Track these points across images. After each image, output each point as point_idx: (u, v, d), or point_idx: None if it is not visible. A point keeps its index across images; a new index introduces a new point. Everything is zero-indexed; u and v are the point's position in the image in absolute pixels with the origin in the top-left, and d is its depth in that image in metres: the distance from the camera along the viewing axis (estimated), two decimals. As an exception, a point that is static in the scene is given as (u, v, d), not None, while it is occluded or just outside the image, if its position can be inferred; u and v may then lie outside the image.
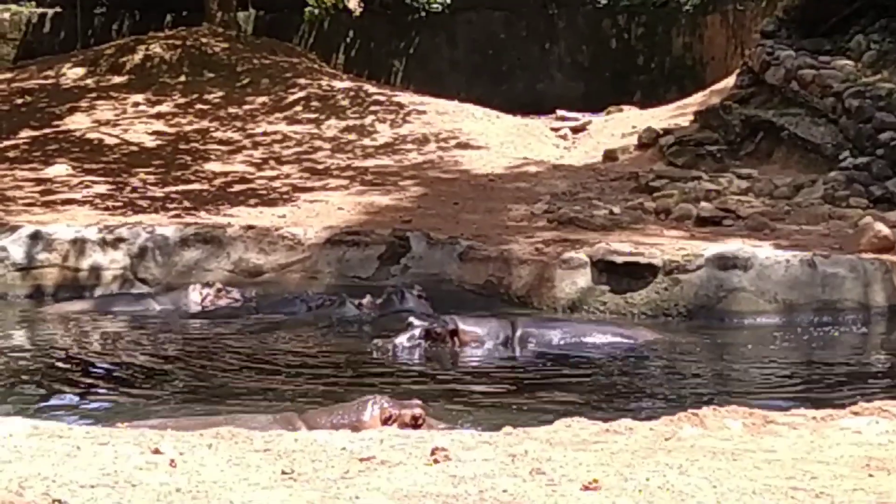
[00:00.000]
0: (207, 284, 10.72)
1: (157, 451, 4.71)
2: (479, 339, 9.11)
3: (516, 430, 5.38)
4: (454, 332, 9.03)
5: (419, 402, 6.39)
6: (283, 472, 4.46)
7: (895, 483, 4.38)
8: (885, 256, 10.56)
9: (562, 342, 9.30)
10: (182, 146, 16.34)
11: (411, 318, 9.11)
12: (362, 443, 5.03)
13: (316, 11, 18.79)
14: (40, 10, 22.45)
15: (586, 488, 4.28)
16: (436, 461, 4.65)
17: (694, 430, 5.28)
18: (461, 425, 6.63)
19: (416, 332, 8.91)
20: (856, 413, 5.53)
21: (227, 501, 4.12)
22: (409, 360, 8.83)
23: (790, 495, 4.22)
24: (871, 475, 4.50)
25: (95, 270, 11.30)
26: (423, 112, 17.92)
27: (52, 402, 7.70)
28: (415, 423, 6.14)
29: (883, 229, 11.01)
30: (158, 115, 17.80)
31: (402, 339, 8.90)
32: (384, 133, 17.02)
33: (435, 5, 22.71)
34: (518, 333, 9.21)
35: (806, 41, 15.46)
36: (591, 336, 9.43)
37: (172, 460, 4.59)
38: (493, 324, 9.35)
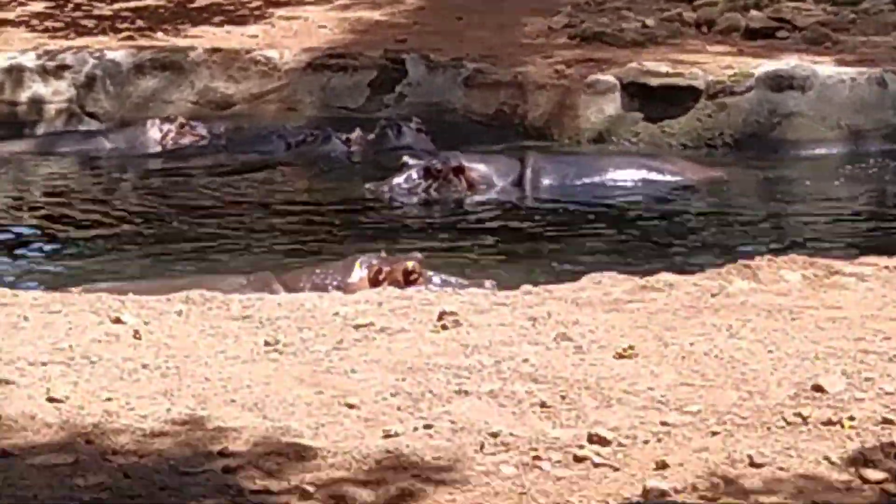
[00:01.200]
0: (168, 119, 10.67)
1: (118, 321, 4.73)
2: (488, 179, 9.09)
3: (537, 288, 5.39)
4: (459, 171, 8.99)
5: (419, 255, 6.40)
6: (267, 343, 4.48)
7: (981, 343, 4.41)
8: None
9: (585, 180, 9.29)
10: (133, -47, 16.07)
11: (406, 157, 9.07)
12: (358, 306, 5.05)
13: None
14: None
15: (620, 356, 4.30)
16: (444, 327, 4.67)
17: (745, 283, 5.28)
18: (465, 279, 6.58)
19: (414, 172, 8.89)
20: (932, 260, 5.53)
21: (202, 379, 4.15)
22: (407, 206, 8.83)
23: (859, 360, 4.24)
24: (951, 331, 4.52)
25: (36, 104, 11.24)
26: None
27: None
28: (407, 279, 6.16)
29: (966, 39, 10.93)
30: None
31: (398, 181, 8.89)
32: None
33: None
34: (532, 171, 9.17)
35: None
36: (618, 172, 9.41)
37: (136, 331, 4.61)
38: (503, 160, 9.33)
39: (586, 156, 9.98)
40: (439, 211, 8.85)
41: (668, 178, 9.37)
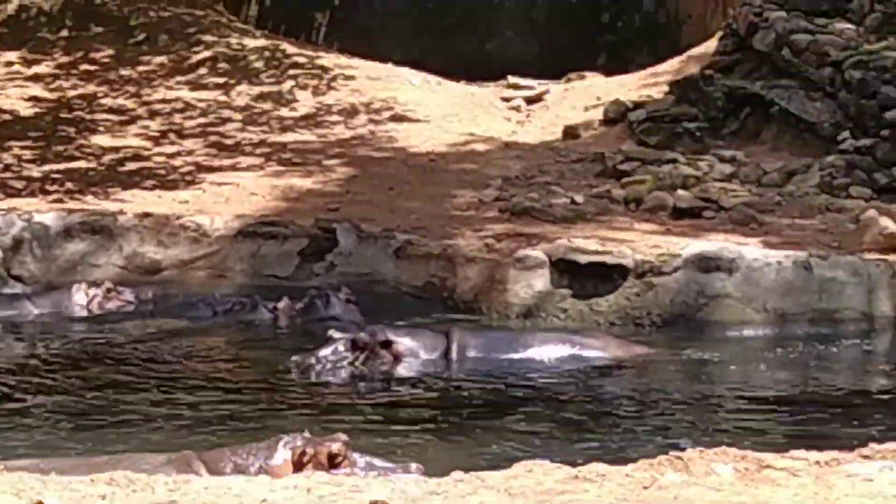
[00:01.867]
0: (95, 283, 10.64)
1: (37, 505, 4.63)
2: (414, 352, 9.08)
3: (468, 475, 5.32)
4: (386, 344, 8.97)
5: (343, 436, 6.32)
6: (194, 533, 4.39)
7: (915, 546, 4.40)
8: (891, 257, 10.64)
9: (511, 355, 9.30)
10: (64, 115, 16.11)
11: (331, 331, 9.04)
12: (287, 492, 4.97)
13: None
14: None
15: (556, 554, 4.25)
16: (375, 517, 4.60)
17: (678, 476, 5.25)
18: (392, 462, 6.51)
19: (340, 344, 8.86)
20: (866, 456, 5.52)
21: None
22: (333, 380, 8.77)
23: (794, 560, 4.22)
24: (886, 535, 4.51)
25: (-39, 266, 11.16)
26: (352, 77, 17.81)
27: None
28: (332, 462, 6.08)
29: (889, 225, 11.09)
30: (36, 77, 17.54)
31: (324, 353, 8.85)
32: (305, 102, 16.89)
33: (366, -51, 22.61)
34: (458, 345, 9.17)
35: (801, 1, 15.52)
36: (544, 348, 9.43)
37: (55, 518, 4.50)
38: (428, 334, 9.33)
39: (512, 331, 10.04)
40: (366, 385, 8.79)
41: (594, 354, 9.39)
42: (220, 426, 7.76)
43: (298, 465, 6.02)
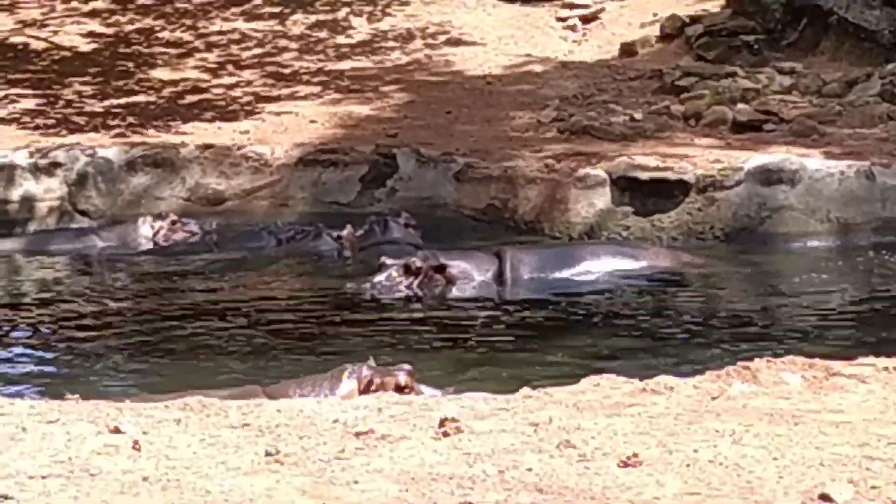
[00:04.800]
0: (160, 216, 10.70)
1: (116, 430, 4.67)
2: (468, 274, 9.12)
3: (536, 391, 5.35)
4: (440, 268, 9.00)
5: (408, 367, 6.34)
6: (268, 454, 4.42)
7: None
8: (954, 166, 10.55)
9: (564, 272, 9.31)
10: (122, 50, 16.15)
11: (383, 257, 9.09)
12: (357, 413, 4.99)
13: None
14: None
15: (625, 464, 4.26)
16: (445, 434, 4.62)
17: (746, 386, 5.25)
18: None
19: (393, 270, 8.90)
20: (935, 363, 5.51)
21: (203, 492, 4.09)
22: (390, 304, 8.80)
23: (865, 466, 4.20)
24: (958, 438, 4.49)
25: (28, 202, 11.27)
26: (406, 2, 17.72)
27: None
28: (399, 393, 6.07)
29: (951, 133, 11.00)
30: (93, 13, 17.58)
31: (379, 279, 8.90)
32: (361, 28, 16.84)
33: None
34: (511, 264, 9.19)
35: None
36: (597, 262, 9.42)
37: (136, 441, 4.55)
38: (481, 256, 9.37)
39: (564, 246, 9.99)
40: (422, 308, 8.81)
41: (648, 264, 9.38)
42: (286, 355, 7.82)
43: (364, 394, 6.02)
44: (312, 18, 17.17)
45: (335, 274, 9.60)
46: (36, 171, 11.26)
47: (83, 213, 11.23)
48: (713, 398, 5.11)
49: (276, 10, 17.50)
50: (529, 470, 4.23)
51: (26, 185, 11.23)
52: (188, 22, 17.18)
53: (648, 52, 15.43)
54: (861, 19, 14.02)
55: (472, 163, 10.98)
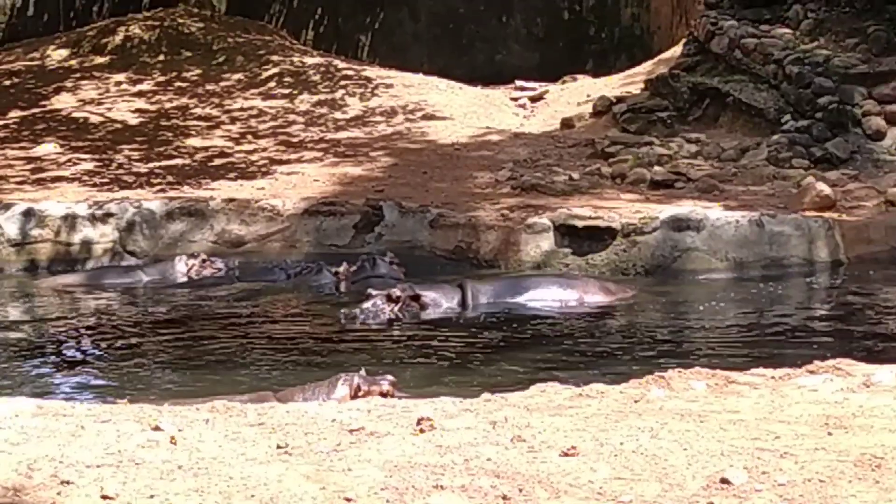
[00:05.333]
0: (192, 255, 10.66)
1: (157, 429, 4.66)
2: (437, 302, 9.12)
3: (494, 396, 5.34)
4: (415, 297, 9.02)
5: (390, 377, 6.32)
6: (279, 447, 4.41)
7: (853, 441, 4.38)
8: (826, 214, 10.61)
9: (516, 299, 9.31)
10: (163, 123, 16.15)
11: (370, 289, 9.09)
12: (351, 413, 4.98)
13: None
14: (21, -7, 22.09)
15: (565, 454, 4.26)
16: (422, 430, 4.62)
17: (661, 392, 5.27)
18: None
19: (378, 299, 8.90)
20: (811, 371, 5.52)
21: (227, 477, 4.07)
22: (375, 326, 8.79)
23: (756, 456, 4.21)
24: (829, 433, 4.50)
25: (86, 244, 11.20)
26: (391, 85, 17.77)
27: (52, 376, 7.64)
28: (383, 398, 6.05)
29: (824, 188, 11.04)
30: (140, 94, 17.57)
31: (366, 306, 8.91)
32: (354, 106, 16.87)
33: (398, -17, 22.50)
34: (472, 294, 9.19)
35: (747, 11, 15.40)
36: (542, 291, 9.41)
37: (172, 437, 4.53)
38: (446, 287, 9.37)
39: (513, 279, 9.95)
40: (400, 329, 8.78)
41: (585, 294, 9.38)
42: (293, 366, 7.80)
43: (354, 399, 6.00)
44: (315, 98, 17.19)
45: (333, 302, 9.57)
46: (93, 219, 11.21)
47: (131, 253, 11.18)
48: (635, 401, 5.11)
49: (287, 91, 17.51)
50: (489, 459, 4.23)
51: (85, 231, 11.18)
52: (216, 101, 17.17)
53: (583, 125, 15.48)
54: (752, 99, 14.08)
55: (443, 213, 10.98)
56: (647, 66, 17.90)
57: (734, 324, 8.68)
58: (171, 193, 12.05)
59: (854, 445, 4.30)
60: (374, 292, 8.99)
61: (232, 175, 13.08)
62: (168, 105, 17.03)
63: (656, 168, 12.47)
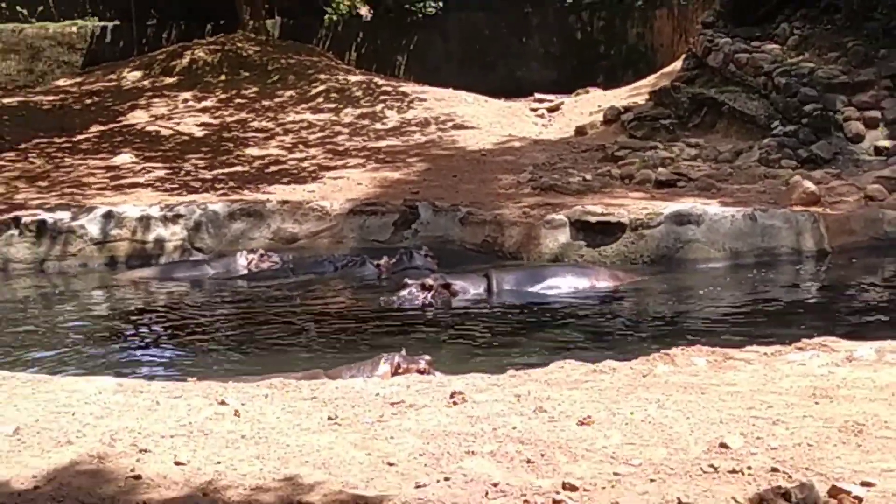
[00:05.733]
0: (252, 250, 10.69)
1: (223, 403, 4.69)
2: (465, 290, 9.12)
3: (518, 372, 5.35)
4: (446, 286, 9.02)
5: (427, 356, 6.33)
6: (329, 418, 4.43)
7: (838, 409, 4.37)
8: (812, 209, 10.53)
9: (536, 287, 9.27)
10: (225, 135, 16.22)
11: (406, 279, 9.11)
12: (392, 388, 5.00)
13: (333, 17, 18.55)
14: (102, 23, 22.18)
15: (582, 423, 4.26)
16: (455, 403, 4.63)
17: (666, 367, 5.25)
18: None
19: (413, 287, 8.92)
20: (800, 348, 5.50)
21: (285, 446, 4.10)
22: (415, 309, 8.80)
23: (751, 423, 4.21)
24: (816, 403, 4.48)
25: (159, 242, 11.26)
26: (424, 99, 17.77)
27: (130, 358, 7.69)
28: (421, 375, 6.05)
29: (810, 186, 10.97)
30: (204, 109, 17.67)
31: (402, 294, 8.92)
32: (392, 118, 16.89)
33: (429, 8, 22.49)
34: (496, 282, 9.17)
35: (740, 29, 15.30)
36: (557, 279, 9.38)
37: (236, 411, 4.56)
38: (474, 276, 9.35)
39: (533, 268, 9.90)
40: (433, 314, 8.78)
41: (594, 281, 9.36)
42: (340, 347, 7.82)
43: (395, 375, 6.00)
44: (358, 111, 17.21)
45: (375, 290, 9.57)
46: (165, 220, 11.27)
47: (198, 249, 11.23)
48: (643, 376, 5.11)
49: (333, 105, 17.55)
50: (514, 428, 4.24)
51: (158, 230, 11.24)
52: (271, 115, 17.23)
53: (595, 132, 15.43)
54: (745, 107, 13.99)
55: (472, 211, 10.97)
56: (651, 80, 17.82)
57: (731, 306, 8.63)
58: (233, 197, 12.09)
59: (838, 413, 4.28)
60: (410, 281, 9.00)
61: (286, 180, 13.12)
62: (229, 119, 17.11)
63: (660, 169, 12.41)
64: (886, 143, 12.44)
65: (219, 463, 3.91)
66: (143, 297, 9.97)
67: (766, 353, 5.42)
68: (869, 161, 12.28)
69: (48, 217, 11.20)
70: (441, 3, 22.56)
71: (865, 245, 10.18)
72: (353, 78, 19.07)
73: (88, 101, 18.59)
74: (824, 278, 9.65)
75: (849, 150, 12.53)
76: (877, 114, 12.78)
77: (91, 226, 11.18)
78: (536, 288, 9.22)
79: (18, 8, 21.88)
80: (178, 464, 3.90)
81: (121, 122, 17.20)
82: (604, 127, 15.53)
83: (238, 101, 18.06)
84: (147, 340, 8.24)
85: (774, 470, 3.68)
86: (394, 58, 22.66)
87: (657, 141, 13.99)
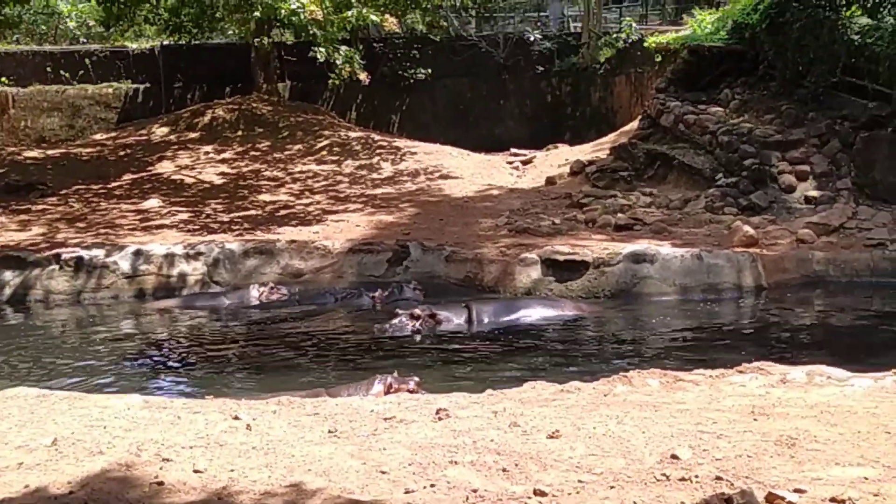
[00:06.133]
0: (263, 284, 10.66)
1: (236, 418, 4.66)
2: (449, 319, 9.08)
3: (495, 391, 5.32)
4: (432, 315, 8.99)
5: (416, 378, 6.31)
6: (330, 432, 4.40)
7: (773, 425, 4.36)
8: (751, 250, 10.58)
9: (510, 316, 9.24)
10: (241, 183, 16.24)
11: (397, 309, 9.10)
12: (385, 405, 4.97)
13: (336, 81, 18.62)
14: (134, 85, 22.23)
15: (551, 437, 4.24)
16: (440, 418, 4.61)
17: (624, 388, 5.24)
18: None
19: (403, 317, 8.91)
20: (741, 371, 5.49)
21: (290, 456, 4.06)
22: (405, 336, 8.77)
23: (698, 437, 4.19)
24: (755, 419, 4.47)
25: (182, 276, 11.21)
26: (415, 153, 17.85)
27: (155, 377, 7.63)
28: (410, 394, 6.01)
29: (749, 230, 11.03)
30: (223, 161, 17.70)
31: (394, 322, 8.89)
32: (387, 169, 16.95)
33: (420, 75, 22.63)
34: (476, 313, 9.14)
35: (688, 94, 15.46)
36: (530, 310, 9.37)
37: (248, 425, 4.53)
38: (457, 307, 9.31)
39: (508, 300, 9.88)
40: (421, 340, 8.74)
41: (561, 312, 9.35)
42: (339, 369, 7.76)
43: (388, 394, 5.97)
44: (357, 163, 17.28)
45: (370, 319, 9.54)
46: (187, 257, 11.23)
47: (216, 283, 11.18)
48: (605, 395, 5.09)
49: (335, 158, 17.61)
50: (492, 441, 4.21)
51: (181, 266, 11.20)
52: (281, 165, 17.27)
53: (563, 182, 15.51)
54: (693, 162, 14.10)
55: (456, 250, 10.96)
56: (611, 137, 17.96)
57: (680, 334, 8.63)
58: (247, 237, 12.07)
59: (774, 429, 4.28)
60: (400, 311, 8.98)
61: (293, 222, 13.12)
62: (244, 169, 17.13)
63: (619, 215, 12.46)
64: (815, 194, 12.54)
65: (232, 471, 3.88)
66: (167, 324, 9.90)
67: (711, 376, 5.41)
68: (800, 209, 12.37)
69: (85, 254, 11.16)
70: (430, 70, 22.69)
71: (797, 282, 10.24)
72: (353, 134, 19.15)
73: (122, 153, 18.60)
74: (762, 310, 9.66)
75: (782, 199, 12.62)
76: (806, 168, 12.89)
77: (122, 262, 11.14)
78: (511, 318, 9.20)
79: (62, 72, 21.91)
80: (196, 472, 3.87)
81: (150, 171, 17.20)
82: (570, 178, 15.62)
83: (252, 153, 18.09)
84: (170, 362, 8.17)
85: (719, 478, 3.67)
86: (388, 117, 22.78)
87: (616, 190, 14.08)
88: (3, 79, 21.20)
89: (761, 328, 8.91)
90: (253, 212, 14.05)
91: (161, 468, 3.92)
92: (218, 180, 16.48)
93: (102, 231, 12.81)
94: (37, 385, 6.31)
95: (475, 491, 3.62)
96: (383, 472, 3.84)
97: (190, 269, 11.24)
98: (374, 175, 16.58)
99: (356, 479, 3.78)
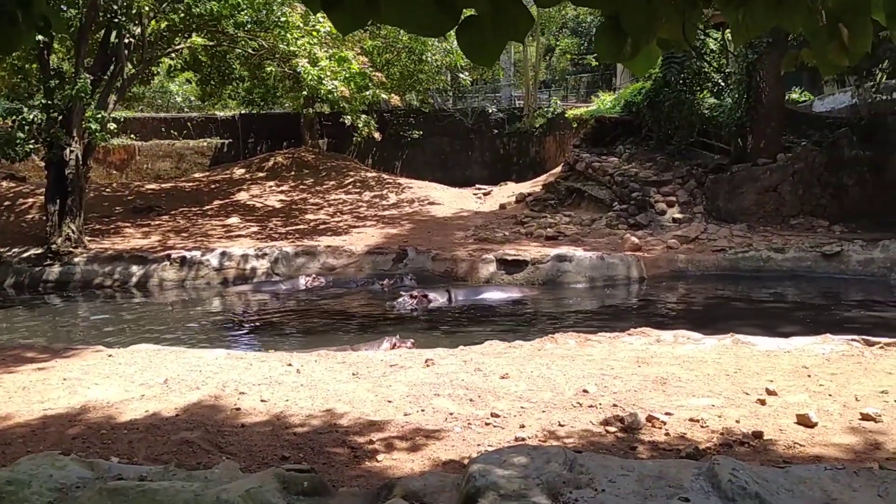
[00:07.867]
0: (308, 275, 10.61)
1: (289, 365, 4.62)
2: (436, 299, 9.05)
3: (465, 347, 5.32)
4: (425, 296, 8.95)
5: (412, 339, 6.29)
6: (353, 374, 4.38)
7: (651, 370, 4.37)
8: (636, 253, 10.60)
9: (478, 296, 9.24)
10: (293, 207, 16.13)
11: (400, 291, 9.04)
12: (390, 356, 4.95)
13: (358, 138, 18.53)
14: (221, 140, 22.03)
15: (503, 378, 4.24)
16: (427, 365, 4.59)
17: (552, 345, 5.24)
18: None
19: (406, 297, 8.85)
20: (630, 334, 5.50)
21: (326, 390, 4.04)
22: (405, 310, 8.74)
23: (601, 378, 4.20)
24: (639, 366, 4.48)
25: (253, 269, 11.15)
26: (411, 187, 17.80)
27: (235, 337, 7.56)
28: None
29: (635, 240, 11.06)
30: (281, 192, 17.57)
31: (400, 301, 8.84)
32: (392, 198, 16.88)
33: (415, 135, 22.57)
34: (454, 293, 9.13)
35: (595, 149, 15.51)
36: (491, 293, 9.38)
37: (298, 369, 4.50)
38: (442, 290, 9.28)
39: (476, 286, 9.88)
40: (417, 314, 8.72)
41: (511, 294, 9.34)
42: (359, 332, 7.72)
43: (392, 349, 5.93)
44: (372, 194, 17.16)
45: (382, 299, 9.52)
46: (257, 256, 11.18)
47: (276, 274, 11.12)
48: (538, 350, 5.09)
49: (357, 190, 17.50)
50: (463, 380, 4.20)
51: (252, 262, 11.14)
52: (321, 195, 17.15)
53: (511, 207, 15.49)
54: (597, 194, 14.12)
55: (439, 253, 10.96)
56: (543, 177, 17.94)
57: (589, 310, 8.65)
58: (297, 243, 12.00)
59: (652, 372, 4.30)
60: (404, 293, 8.94)
61: (329, 234, 13.04)
62: (296, 198, 17.01)
63: (548, 230, 12.46)
64: (679, 216, 12.60)
65: (287, 400, 3.86)
66: (242, 302, 9.84)
67: (610, 337, 5.43)
68: (669, 226, 12.43)
69: (187, 255, 11.08)
70: (421, 132, 22.65)
71: (667, 275, 10.27)
72: (369, 174, 19.06)
73: (213, 186, 18.44)
74: (643, 294, 9.71)
75: (658, 219, 12.67)
76: (674, 198, 12.96)
77: (213, 260, 11.08)
78: (477, 298, 9.20)
79: (172, 131, 21.72)
80: (262, 401, 3.85)
81: (231, 198, 17.06)
82: (516, 204, 15.61)
83: (301, 187, 17.98)
84: (244, 327, 8.11)
85: (615, 405, 3.69)
86: (394, 163, 22.69)
87: (547, 213, 14.08)
88: (132, 135, 20.99)
89: (643, 305, 8.96)
90: (301, 226, 13.97)
91: (238, 399, 3.90)
92: (278, 205, 16.37)
93: (199, 239, 12.71)
94: (154, 342, 6.26)
95: (451, 414, 3.62)
96: (389, 402, 3.83)
97: (258, 265, 11.18)
98: (384, 202, 16.53)
99: (371, 406, 3.77)
